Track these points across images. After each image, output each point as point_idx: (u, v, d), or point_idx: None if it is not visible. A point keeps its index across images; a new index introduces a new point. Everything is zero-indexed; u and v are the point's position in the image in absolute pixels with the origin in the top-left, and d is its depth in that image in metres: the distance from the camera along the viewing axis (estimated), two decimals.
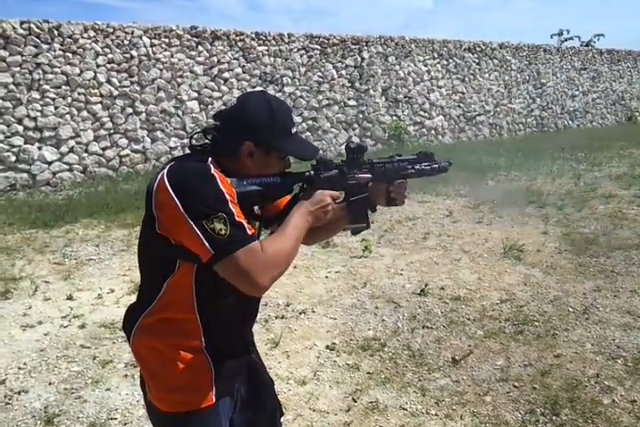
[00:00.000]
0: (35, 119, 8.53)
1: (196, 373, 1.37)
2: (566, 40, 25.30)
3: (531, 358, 3.21)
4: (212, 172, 1.25)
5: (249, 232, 1.23)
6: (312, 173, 1.48)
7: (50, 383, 3.03)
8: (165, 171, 1.28)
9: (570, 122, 17.57)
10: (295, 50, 11.35)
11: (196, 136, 1.48)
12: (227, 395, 1.44)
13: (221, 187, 1.23)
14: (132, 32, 9.39)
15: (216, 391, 1.38)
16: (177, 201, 1.21)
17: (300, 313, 3.93)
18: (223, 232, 1.19)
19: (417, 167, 1.67)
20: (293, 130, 1.42)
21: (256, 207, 1.47)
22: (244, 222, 1.23)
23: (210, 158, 1.32)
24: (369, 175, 1.56)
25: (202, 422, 1.38)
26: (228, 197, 1.23)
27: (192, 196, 1.22)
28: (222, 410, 1.42)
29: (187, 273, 1.32)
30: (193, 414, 1.36)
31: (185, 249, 1.26)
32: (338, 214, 1.53)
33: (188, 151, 1.46)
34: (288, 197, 1.53)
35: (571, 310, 3.88)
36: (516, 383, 2.95)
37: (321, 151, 11.55)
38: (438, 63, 13.89)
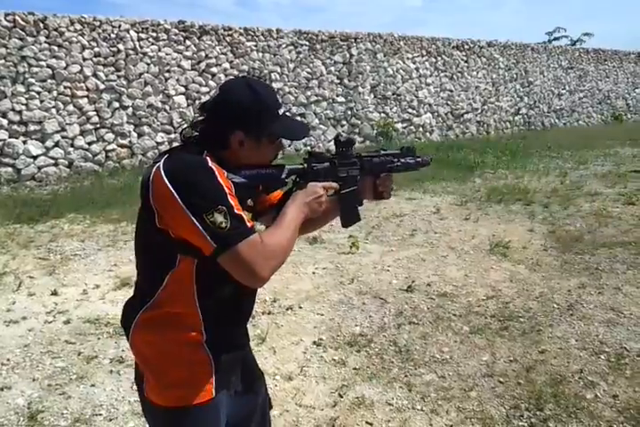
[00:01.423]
0: (20, 113, 8.43)
1: (197, 367, 1.36)
2: (556, 39, 25.59)
3: (516, 353, 3.23)
4: (210, 165, 1.24)
5: (249, 224, 1.23)
6: (305, 165, 1.49)
7: (33, 379, 3.00)
8: (161, 164, 1.26)
9: (556, 120, 17.71)
10: (284, 45, 11.32)
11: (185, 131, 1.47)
12: (225, 389, 1.43)
13: (219, 180, 1.23)
14: (119, 26, 9.31)
15: (215, 385, 1.38)
16: (176, 195, 1.20)
17: (287, 309, 3.92)
18: (224, 225, 1.19)
19: (402, 161, 1.71)
20: (281, 111, 1.41)
21: (249, 200, 1.45)
22: (244, 215, 1.23)
23: (205, 151, 1.31)
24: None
25: (201, 416, 1.38)
26: (226, 189, 1.22)
27: (191, 189, 1.21)
28: (220, 404, 1.42)
29: (187, 267, 1.31)
30: (192, 408, 1.35)
31: (185, 243, 1.25)
32: (328, 206, 1.53)
33: (179, 143, 1.44)
34: (280, 192, 1.53)
35: (555, 306, 3.92)
36: (501, 379, 2.97)
37: (308, 147, 11.56)
38: (427, 61, 13.93)
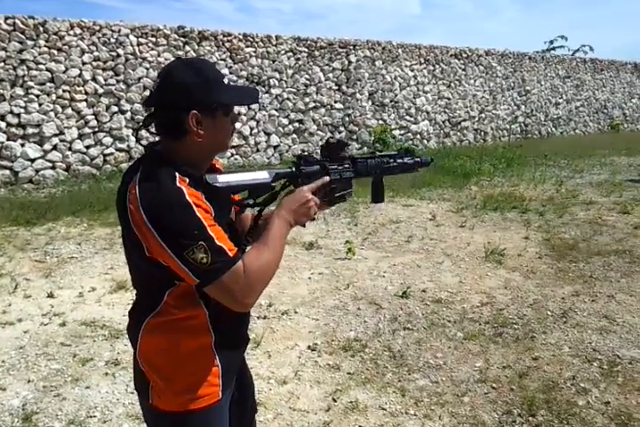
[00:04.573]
0: (18, 116, 8.44)
1: (206, 371, 1.37)
2: (554, 48, 25.78)
3: (509, 360, 3.25)
4: (186, 198, 1.20)
5: (230, 254, 1.22)
6: (294, 169, 1.46)
7: (29, 381, 3.01)
8: (137, 191, 1.22)
9: (553, 129, 17.79)
10: (283, 52, 11.37)
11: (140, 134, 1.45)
12: (228, 388, 1.45)
13: (197, 213, 1.20)
14: (119, 30, 9.35)
15: (222, 387, 1.39)
16: (155, 233, 1.19)
17: (283, 314, 3.94)
18: (205, 260, 1.19)
19: (399, 161, 1.67)
20: (225, 80, 1.36)
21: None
22: (224, 246, 1.22)
23: (174, 169, 1.25)
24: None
25: (210, 418, 1.40)
26: (204, 222, 1.21)
27: (169, 228, 1.20)
28: (225, 403, 1.44)
29: (186, 284, 1.30)
30: (202, 411, 1.37)
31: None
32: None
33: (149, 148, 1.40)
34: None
35: (549, 313, 3.94)
36: (494, 385, 2.99)
37: (306, 153, 11.58)
38: (425, 68, 13.99)
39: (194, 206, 1.20)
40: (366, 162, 1.60)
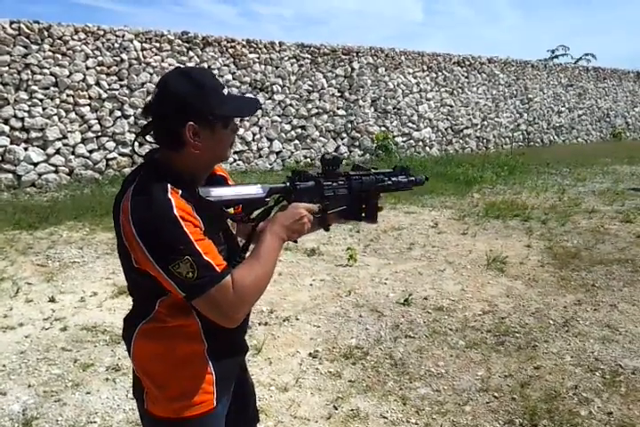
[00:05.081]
0: (22, 120, 8.48)
1: (199, 378, 1.36)
2: (556, 57, 25.91)
3: (511, 369, 3.24)
4: (175, 213, 1.19)
5: (218, 269, 1.21)
6: (288, 184, 1.45)
7: (29, 386, 3.00)
8: (129, 202, 1.23)
9: (555, 137, 17.81)
10: (286, 58, 11.41)
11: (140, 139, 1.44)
12: (225, 396, 1.44)
13: (184, 228, 1.19)
14: (123, 35, 9.40)
15: (217, 395, 1.39)
16: (142, 245, 1.19)
17: (284, 320, 3.93)
18: (191, 275, 1.18)
19: (394, 179, 1.68)
20: (225, 91, 1.32)
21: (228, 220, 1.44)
22: (212, 261, 1.21)
23: (168, 183, 1.24)
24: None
25: (204, 426, 1.39)
26: (191, 237, 1.19)
27: (155, 241, 1.20)
28: (221, 411, 1.44)
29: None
30: (196, 419, 1.36)
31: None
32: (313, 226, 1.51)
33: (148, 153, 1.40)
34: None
35: (551, 322, 3.93)
36: (496, 394, 2.97)
37: (309, 160, 11.61)
38: (427, 76, 14.03)
39: (181, 221, 1.19)
40: (361, 179, 1.59)
